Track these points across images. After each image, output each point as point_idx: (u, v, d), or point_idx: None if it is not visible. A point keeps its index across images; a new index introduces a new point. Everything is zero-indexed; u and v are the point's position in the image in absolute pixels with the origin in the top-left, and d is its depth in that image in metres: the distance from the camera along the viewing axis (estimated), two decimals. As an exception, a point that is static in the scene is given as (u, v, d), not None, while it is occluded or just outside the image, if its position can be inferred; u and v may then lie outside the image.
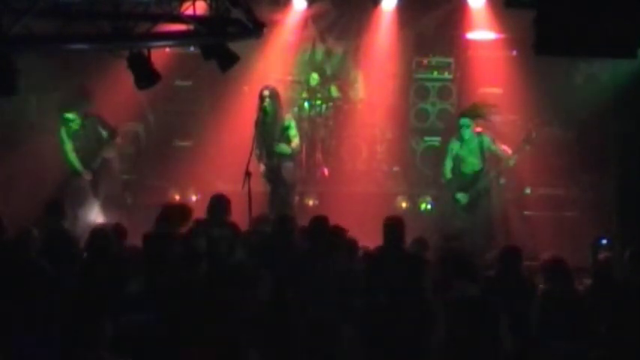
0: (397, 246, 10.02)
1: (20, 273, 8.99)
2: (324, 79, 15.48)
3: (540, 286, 9.75)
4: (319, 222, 10.18)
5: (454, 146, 13.13)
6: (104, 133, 13.24)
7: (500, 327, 8.24)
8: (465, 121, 12.97)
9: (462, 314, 8.20)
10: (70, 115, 13.07)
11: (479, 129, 13.14)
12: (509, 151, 12.93)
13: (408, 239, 10.39)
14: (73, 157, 13.20)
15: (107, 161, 13.40)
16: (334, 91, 15.50)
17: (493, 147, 12.97)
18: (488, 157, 13.00)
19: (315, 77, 15.41)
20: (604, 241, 11.77)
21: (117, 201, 13.50)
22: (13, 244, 9.61)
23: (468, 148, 12.99)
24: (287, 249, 10.05)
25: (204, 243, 9.90)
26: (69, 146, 13.17)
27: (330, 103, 15.39)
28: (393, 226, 10.17)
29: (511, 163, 12.94)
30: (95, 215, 12.96)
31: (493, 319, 8.13)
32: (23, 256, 9.33)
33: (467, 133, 12.92)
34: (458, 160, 13.06)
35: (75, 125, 13.10)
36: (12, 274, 9.02)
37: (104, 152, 13.32)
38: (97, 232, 10.14)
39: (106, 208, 13.16)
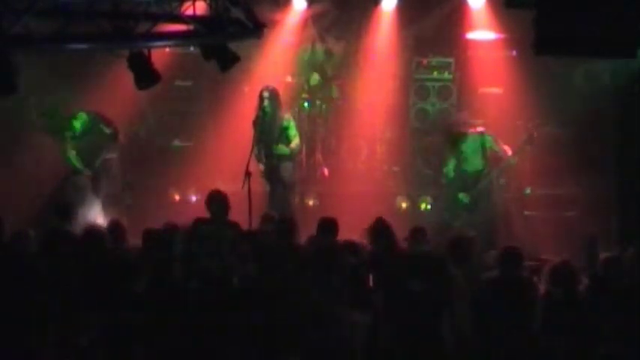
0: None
1: (16, 274, 9.03)
2: (325, 80, 15.47)
3: (542, 286, 9.75)
4: None
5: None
6: (107, 131, 13.25)
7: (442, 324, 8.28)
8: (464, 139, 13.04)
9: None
10: (76, 123, 13.13)
11: (481, 128, 13.16)
12: (510, 152, 12.95)
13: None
14: (72, 155, 13.21)
15: (108, 161, 13.41)
16: (334, 92, 15.50)
17: (495, 147, 12.99)
18: (489, 156, 13.02)
19: (315, 78, 15.41)
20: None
21: (116, 201, 13.49)
22: (9, 245, 9.62)
23: (470, 147, 13.00)
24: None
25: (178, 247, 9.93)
26: (68, 145, 13.17)
27: (330, 103, 15.39)
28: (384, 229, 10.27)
29: (512, 162, 12.97)
30: (95, 215, 12.95)
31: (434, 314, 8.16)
32: (19, 257, 9.32)
33: (465, 146, 12.99)
34: (460, 159, 13.08)
35: (78, 127, 13.13)
36: (8, 275, 9.06)
37: (106, 152, 13.32)
38: (91, 231, 10.15)
39: (105, 207, 13.15)
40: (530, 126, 13.43)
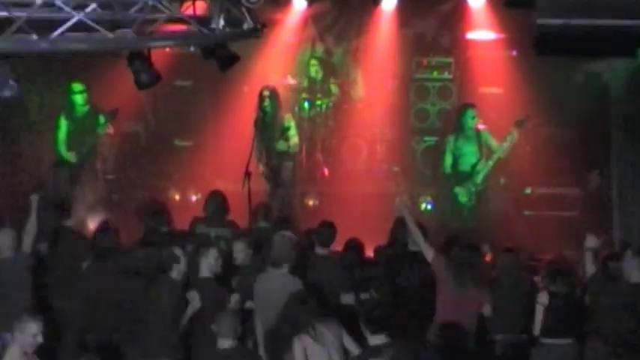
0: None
1: None
2: (325, 72, 15.37)
3: (542, 285, 9.76)
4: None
5: (450, 140, 13.22)
6: (102, 119, 13.27)
7: None
8: (472, 112, 13.07)
9: None
10: (77, 86, 13.12)
11: (480, 126, 13.22)
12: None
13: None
14: (62, 147, 13.24)
15: (93, 154, 13.42)
16: (334, 88, 15.47)
17: (492, 142, 13.07)
18: (485, 152, 13.10)
19: (314, 63, 15.27)
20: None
21: (103, 201, 13.47)
22: None
23: (465, 143, 13.07)
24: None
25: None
26: (62, 135, 13.20)
27: (330, 103, 15.38)
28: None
29: (509, 138, 13.03)
30: (83, 213, 12.89)
31: None
32: None
33: (469, 122, 13.01)
34: (456, 157, 13.13)
35: (80, 100, 13.11)
36: None
37: (94, 139, 13.34)
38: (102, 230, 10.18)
39: (92, 208, 13.10)
40: (525, 113, 13.47)
